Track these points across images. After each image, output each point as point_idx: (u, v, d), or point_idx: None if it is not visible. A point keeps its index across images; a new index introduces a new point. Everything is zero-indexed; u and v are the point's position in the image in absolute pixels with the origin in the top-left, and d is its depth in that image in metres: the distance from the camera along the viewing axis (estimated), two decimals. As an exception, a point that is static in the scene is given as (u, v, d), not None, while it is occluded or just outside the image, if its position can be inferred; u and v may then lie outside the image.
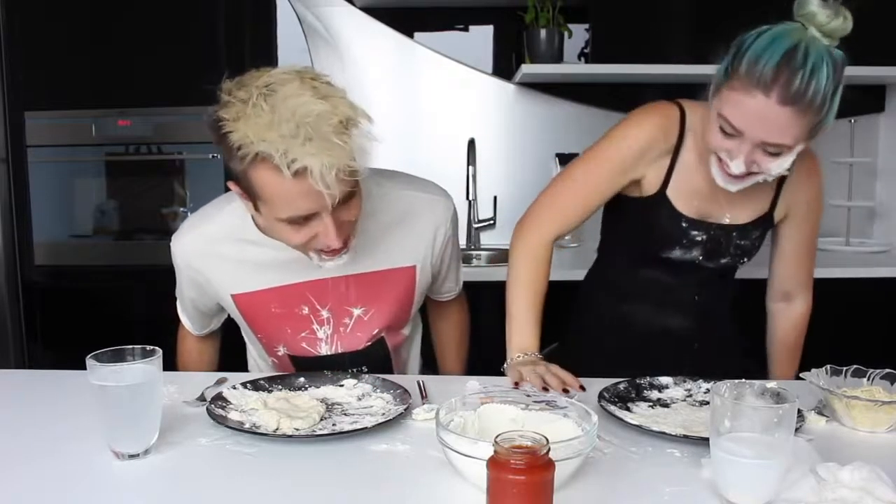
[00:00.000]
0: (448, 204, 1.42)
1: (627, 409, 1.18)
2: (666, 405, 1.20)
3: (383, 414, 1.14)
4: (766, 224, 1.43)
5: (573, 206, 1.38)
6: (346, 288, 1.36)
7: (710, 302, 1.51)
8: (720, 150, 1.24)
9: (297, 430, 1.07)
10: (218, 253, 1.33)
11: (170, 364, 1.11)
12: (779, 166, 1.23)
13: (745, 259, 1.45)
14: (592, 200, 1.38)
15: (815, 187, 1.45)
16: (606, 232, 1.57)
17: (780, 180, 1.38)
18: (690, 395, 1.23)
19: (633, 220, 1.44)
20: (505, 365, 1.31)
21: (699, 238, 1.40)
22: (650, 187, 1.39)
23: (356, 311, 1.38)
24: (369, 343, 1.40)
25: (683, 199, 1.38)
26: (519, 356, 1.29)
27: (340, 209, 1.15)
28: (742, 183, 1.27)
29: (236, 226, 1.31)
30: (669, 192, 1.38)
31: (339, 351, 1.39)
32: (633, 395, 1.23)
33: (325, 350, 1.38)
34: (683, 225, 1.39)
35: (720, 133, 1.22)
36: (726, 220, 1.40)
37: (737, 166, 1.22)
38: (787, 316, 1.55)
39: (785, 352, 1.57)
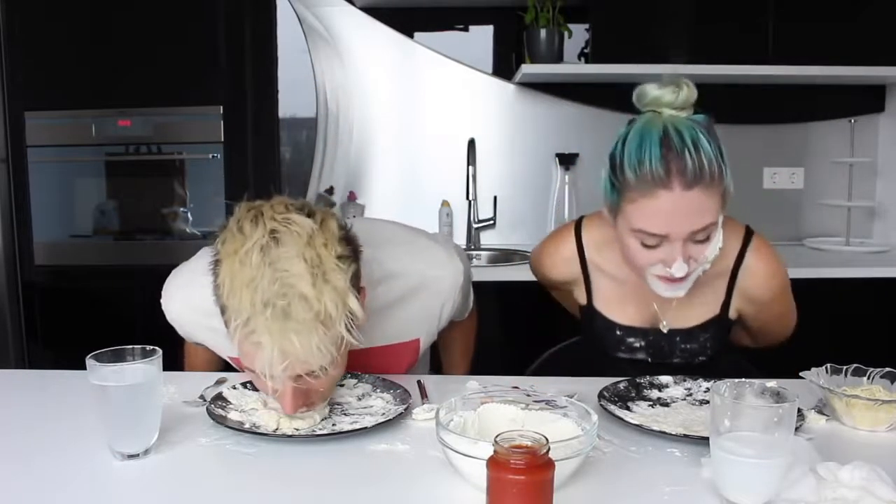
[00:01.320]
0: (456, 276, 1.34)
1: (627, 408, 1.18)
2: (666, 404, 1.20)
3: (383, 414, 1.14)
4: (719, 326, 1.36)
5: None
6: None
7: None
8: (653, 265, 1.20)
9: (297, 430, 1.07)
10: (209, 326, 1.23)
11: (170, 364, 1.11)
12: (713, 249, 1.21)
13: (703, 359, 1.38)
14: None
15: (773, 304, 1.37)
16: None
17: (731, 281, 1.33)
18: (690, 395, 1.23)
19: (583, 325, 1.47)
20: None
21: (637, 344, 1.39)
22: (581, 299, 1.43)
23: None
24: None
25: (615, 307, 1.38)
26: None
27: (305, 380, 1.04)
28: (687, 283, 1.23)
29: None
30: (597, 304, 1.40)
31: None
32: (634, 395, 1.23)
33: None
34: (618, 333, 1.39)
35: (644, 249, 1.18)
36: (662, 327, 1.37)
37: (679, 268, 1.17)
38: (737, 333, 1.49)
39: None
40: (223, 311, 1.02)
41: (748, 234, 1.34)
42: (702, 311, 1.34)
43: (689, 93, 1.18)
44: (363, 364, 1.30)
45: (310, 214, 1.03)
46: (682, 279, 1.20)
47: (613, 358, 1.46)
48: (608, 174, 1.21)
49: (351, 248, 1.04)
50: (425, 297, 1.32)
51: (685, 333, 1.36)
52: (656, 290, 1.23)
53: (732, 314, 1.37)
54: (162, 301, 1.32)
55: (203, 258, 1.23)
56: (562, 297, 1.58)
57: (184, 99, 2.42)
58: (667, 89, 1.17)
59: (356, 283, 1.04)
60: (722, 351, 1.42)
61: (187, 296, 1.27)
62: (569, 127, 2.88)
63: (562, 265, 1.41)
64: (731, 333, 1.45)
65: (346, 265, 1.01)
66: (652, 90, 1.18)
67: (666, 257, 1.17)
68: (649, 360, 1.40)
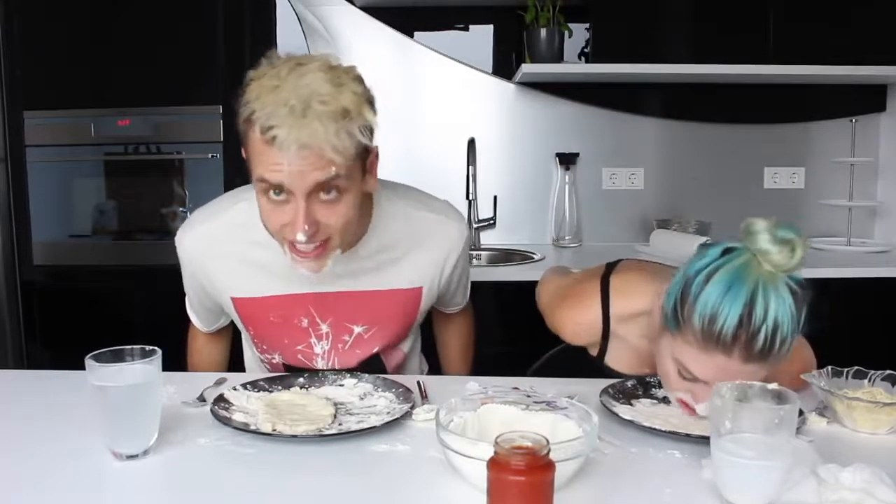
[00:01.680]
0: (461, 229, 1.39)
1: (630, 404, 1.18)
2: (669, 402, 1.20)
3: (388, 413, 1.14)
4: None
5: None
6: (349, 304, 1.33)
7: None
8: (680, 393, 1.13)
9: (307, 430, 1.06)
10: (222, 252, 1.31)
11: (169, 364, 1.10)
12: None
13: None
14: None
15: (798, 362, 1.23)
16: None
17: None
18: None
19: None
20: None
21: (650, 380, 1.29)
22: (592, 350, 1.38)
23: (357, 329, 1.35)
24: (365, 360, 1.38)
25: (627, 367, 1.34)
26: None
27: (319, 206, 1.11)
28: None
29: (244, 225, 1.28)
30: (609, 361, 1.36)
31: (336, 367, 1.37)
32: (640, 392, 1.23)
33: (321, 364, 1.37)
34: (629, 380, 1.30)
35: (678, 375, 1.11)
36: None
37: (703, 409, 1.09)
38: None
39: None
40: (249, 116, 1.09)
41: None
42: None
43: (801, 257, 1.03)
44: (363, 310, 1.33)
45: None
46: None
47: None
48: (674, 297, 1.08)
49: (369, 92, 1.15)
50: (432, 242, 1.35)
51: None
52: (675, 405, 1.18)
53: None
54: (176, 238, 1.35)
55: (219, 199, 1.37)
56: None
57: (183, 98, 2.41)
58: (779, 248, 1.01)
59: (372, 119, 1.14)
60: None
61: (204, 227, 1.33)
62: (569, 127, 2.88)
63: (583, 334, 1.36)
64: None
65: (364, 85, 1.13)
66: (763, 241, 1.02)
67: (698, 394, 1.11)
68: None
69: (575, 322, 1.35)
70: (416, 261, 1.34)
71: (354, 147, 1.10)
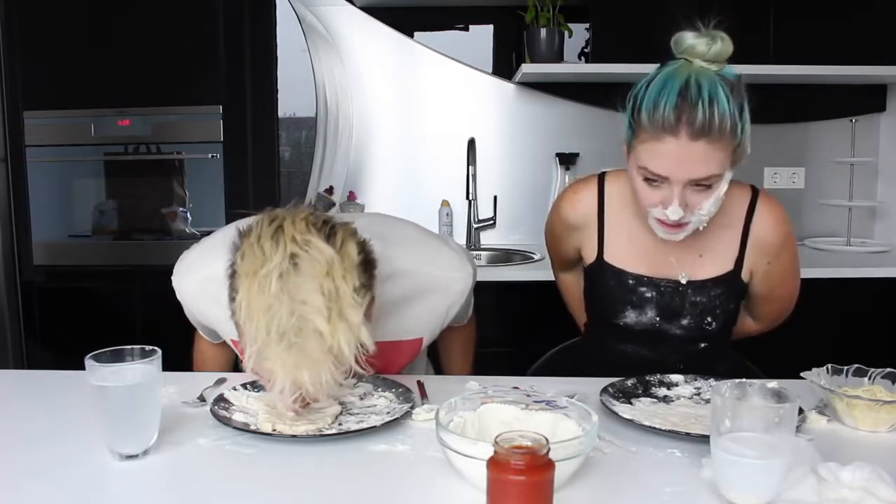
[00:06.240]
0: (466, 279, 1.35)
1: (630, 403, 1.18)
2: (669, 401, 1.20)
3: (388, 412, 1.14)
4: (730, 283, 1.37)
5: (556, 261, 1.61)
6: None
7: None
8: (653, 205, 1.24)
9: (307, 430, 1.06)
10: (218, 300, 1.23)
11: (169, 364, 1.10)
12: (713, 202, 1.23)
13: (711, 320, 1.38)
14: (562, 260, 1.57)
15: (782, 254, 1.38)
16: (586, 305, 1.57)
17: (744, 238, 1.36)
18: (699, 394, 1.23)
19: (589, 287, 1.49)
20: None
21: (648, 295, 1.39)
22: (589, 258, 1.45)
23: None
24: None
25: (628, 260, 1.40)
26: None
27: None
28: (683, 231, 1.27)
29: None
30: (607, 257, 1.41)
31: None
32: (640, 392, 1.23)
33: None
34: (630, 282, 1.39)
35: (647, 186, 1.24)
36: (682, 279, 1.37)
37: (674, 212, 1.21)
38: (743, 321, 1.53)
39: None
40: (237, 326, 1.02)
41: (755, 190, 1.39)
42: (715, 265, 1.37)
43: (722, 47, 1.22)
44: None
45: (331, 233, 1.01)
46: (679, 226, 1.25)
47: (617, 349, 1.45)
48: (628, 113, 1.26)
49: (368, 275, 1.03)
50: (433, 297, 1.33)
51: (697, 286, 1.36)
52: (654, 229, 1.29)
53: (745, 273, 1.38)
54: (173, 279, 1.32)
55: (216, 237, 1.30)
56: (566, 261, 1.56)
57: (183, 98, 2.42)
58: (702, 40, 1.22)
59: (370, 304, 1.03)
60: (730, 322, 1.42)
61: (198, 275, 1.29)
62: (569, 127, 2.88)
63: (580, 206, 1.43)
64: (736, 323, 1.49)
65: (362, 297, 1.00)
66: (688, 38, 1.23)
67: (664, 199, 1.22)
68: (657, 319, 1.38)
69: (574, 195, 1.45)
70: (417, 315, 1.32)
71: (350, 376, 1.03)
